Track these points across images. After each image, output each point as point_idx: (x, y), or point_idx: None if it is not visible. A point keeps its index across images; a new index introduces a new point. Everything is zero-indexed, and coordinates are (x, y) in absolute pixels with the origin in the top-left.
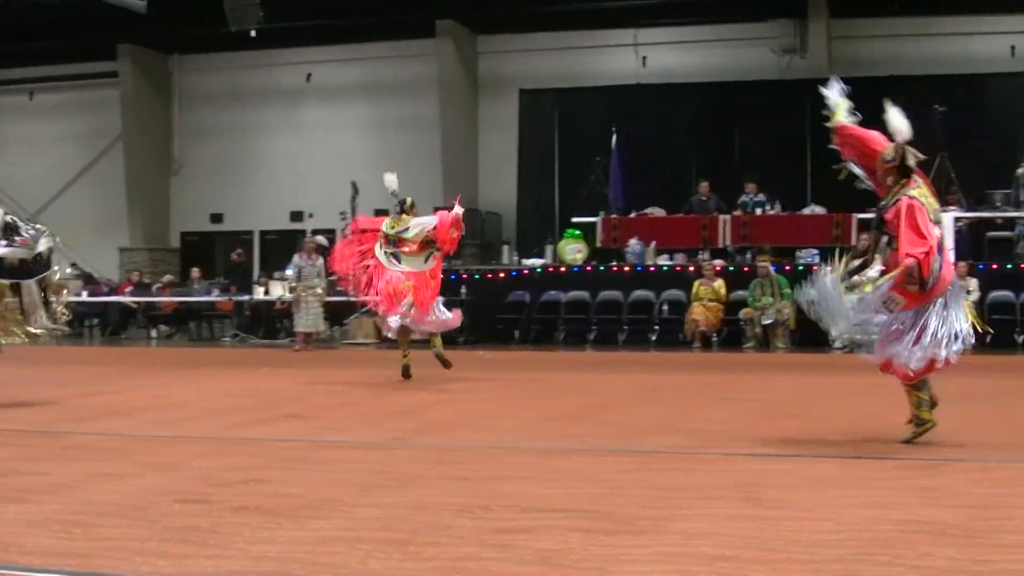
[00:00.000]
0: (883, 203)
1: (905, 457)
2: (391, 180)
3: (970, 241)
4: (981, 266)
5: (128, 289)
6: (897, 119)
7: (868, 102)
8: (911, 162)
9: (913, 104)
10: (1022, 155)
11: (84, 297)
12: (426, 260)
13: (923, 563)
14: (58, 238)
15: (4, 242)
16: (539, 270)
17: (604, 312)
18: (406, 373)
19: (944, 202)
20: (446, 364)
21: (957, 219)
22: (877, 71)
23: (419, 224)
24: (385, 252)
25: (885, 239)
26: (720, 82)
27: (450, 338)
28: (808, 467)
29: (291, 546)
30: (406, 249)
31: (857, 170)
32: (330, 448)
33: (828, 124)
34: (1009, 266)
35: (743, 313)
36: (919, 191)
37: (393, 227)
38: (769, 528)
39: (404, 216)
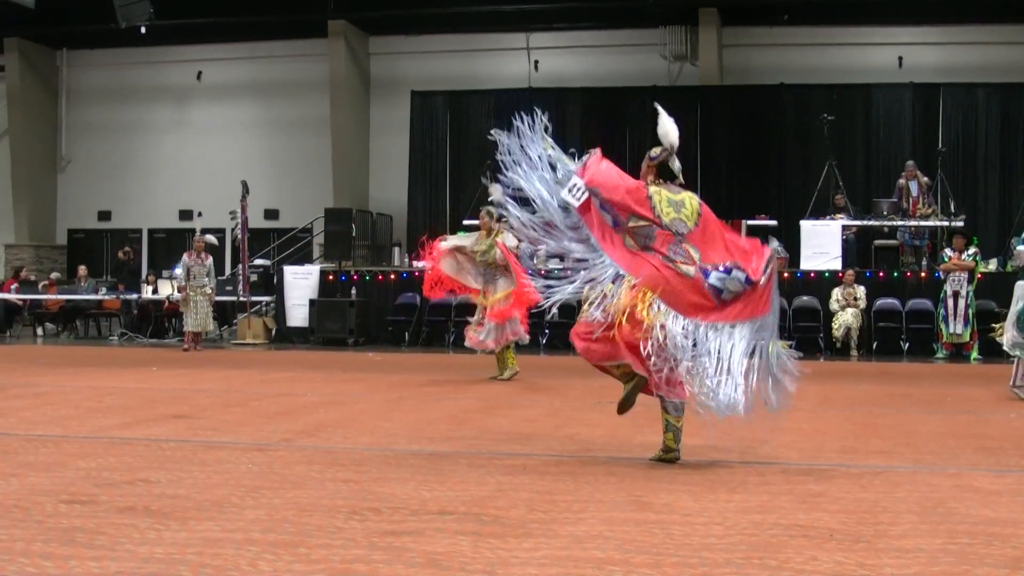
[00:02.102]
0: None
1: (793, 463)
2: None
3: (857, 249)
4: (868, 274)
5: (13, 286)
6: (667, 124)
7: (759, 110)
8: (674, 166)
9: (802, 112)
10: (904, 165)
11: None
12: None
13: (810, 567)
14: None
15: None
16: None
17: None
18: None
19: (834, 209)
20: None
21: (845, 227)
22: (767, 79)
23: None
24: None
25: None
26: (611, 87)
27: (341, 340)
28: (695, 472)
29: (179, 548)
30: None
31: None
32: (218, 449)
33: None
34: (895, 274)
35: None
36: (658, 187)
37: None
38: (658, 532)
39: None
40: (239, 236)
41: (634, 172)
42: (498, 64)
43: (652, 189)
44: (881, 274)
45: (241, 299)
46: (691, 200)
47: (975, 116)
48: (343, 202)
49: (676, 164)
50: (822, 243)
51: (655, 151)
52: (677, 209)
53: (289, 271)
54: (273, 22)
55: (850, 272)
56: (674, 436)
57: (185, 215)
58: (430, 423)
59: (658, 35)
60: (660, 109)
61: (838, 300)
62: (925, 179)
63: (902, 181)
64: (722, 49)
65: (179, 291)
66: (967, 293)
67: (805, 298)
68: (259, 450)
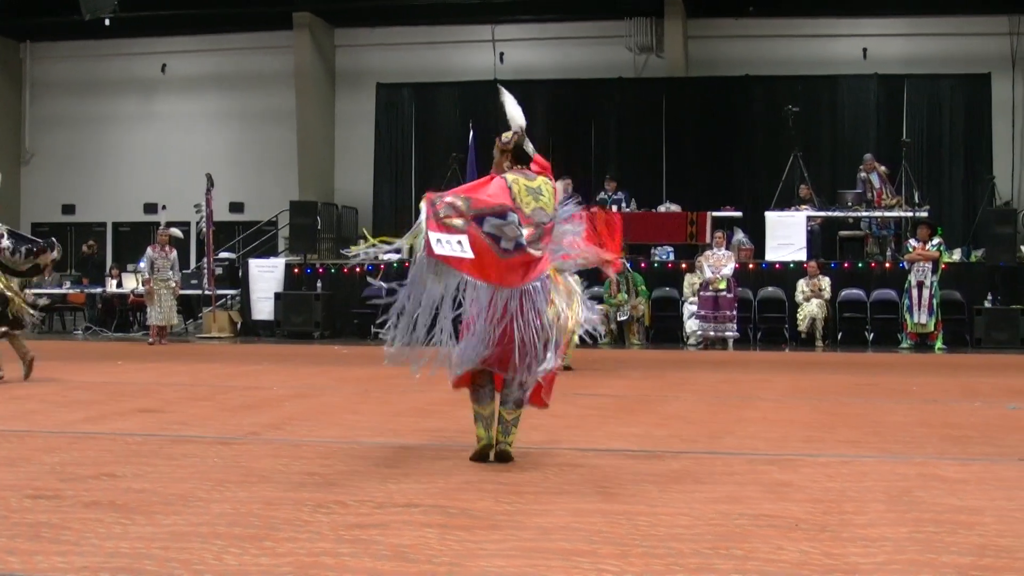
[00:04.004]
0: None
1: (759, 453)
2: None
3: (822, 240)
4: (833, 264)
5: None
6: (512, 106)
7: (724, 101)
8: (528, 148)
9: (767, 104)
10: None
11: None
12: None
13: (776, 557)
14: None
15: None
16: (395, 265)
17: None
18: None
19: (799, 200)
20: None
21: (810, 218)
22: (732, 71)
23: None
24: None
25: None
26: (577, 79)
27: (307, 333)
28: (661, 463)
29: (145, 542)
30: None
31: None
32: (183, 443)
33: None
34: (860, 264)
35: (598, 309)
36: (515, 176)
37: None
38: (625, 523)
39: None
40: (204, 229)
41: (601, 163)
42: (463, 56)
43: (510, 178)
44: (846, 265)
45: (206, 292)
46: (546, 185)
47: (939, 107)
48: (308, 195)
49: (530, 146)
50: (787, 234)
51: (506, 136)
52: (536, 197)
53: (254, 264)
54: (238, 14)
55: (813, 263)
56: (504, 429)
57: (150, 208)
58: (397, 416)
59: (624, 27)
60: (504, 91)
61: (803, 291)
62: (883, 168)
63: (863, 174)
64: (688, 41)
65: (143, 284)
66: (932, 283)
67: (770, 289)
68: (225, 444)
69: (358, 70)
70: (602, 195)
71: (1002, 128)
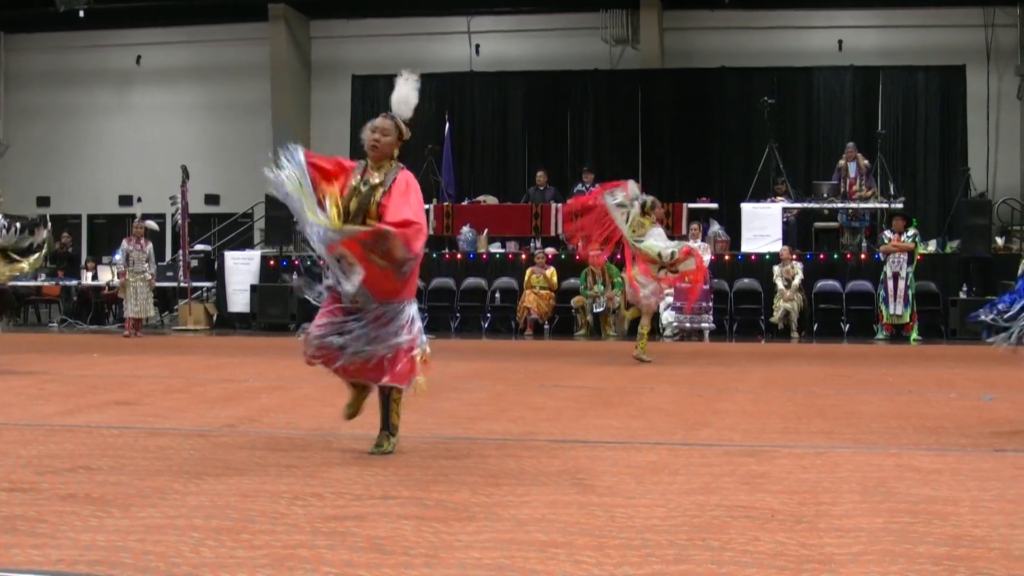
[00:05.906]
0: (377, 183)
1: (735, 444)
2: (634, 189)
3: (798, 231)
4: (808, 256)
5: None
6: (405, 90)
7: (700, 93)
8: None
9: (743, 96)
10: (843, 148)
11: None
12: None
13: (752, 547)
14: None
15: None
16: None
17: (436, 299)
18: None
19: (773, 193)
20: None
21: (785, 209)
22: (708, 63)
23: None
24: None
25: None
26: (553, 71)
27: (283, 325)
28: (638, 454)
29: (121, 535)
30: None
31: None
32: (159, 435)
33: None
34: (835, 256)
35: (574, 301)
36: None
37: (632, 231)
38: (601, 514)
39: (645, 219)
40: (179, 221)
41: (577, 154)
42: (439, 48)
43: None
44: (822, 256)
45: (182, 285)
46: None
47: (914, 98)
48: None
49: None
50: (763, 225)
51: (404, 130)
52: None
53: (230, 256)
54: (213, 5)
55: (786, 248)
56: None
57: (125, 200)
58: (373, 407)
59: (599, 19)
60: (400, 77)
61: (780, 276)
62: (865, 162)
63: (842, 162)
64: (663, 32)
65: (118, 277)
66: (907, 274)
67: (746, 280)
68: (201, 436)
69: (334, 62)
70: (579, 187)
71: (977, 119)
